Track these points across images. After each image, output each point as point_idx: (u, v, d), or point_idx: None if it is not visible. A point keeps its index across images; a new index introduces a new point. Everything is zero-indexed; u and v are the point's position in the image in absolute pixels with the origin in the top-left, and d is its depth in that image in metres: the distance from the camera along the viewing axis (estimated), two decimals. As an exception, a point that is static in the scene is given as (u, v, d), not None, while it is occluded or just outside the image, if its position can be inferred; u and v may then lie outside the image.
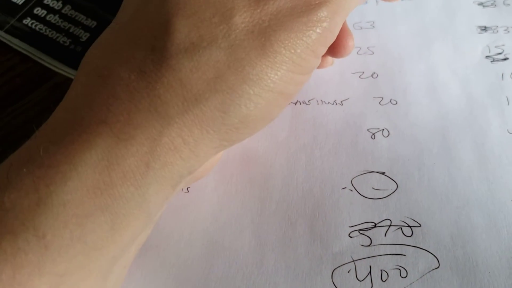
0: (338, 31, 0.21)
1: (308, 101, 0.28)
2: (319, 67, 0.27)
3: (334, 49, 0.26)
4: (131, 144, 0.17)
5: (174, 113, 0.18)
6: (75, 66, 0.30)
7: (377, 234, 0.23)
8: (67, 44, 0.30)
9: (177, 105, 0.18)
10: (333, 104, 0.28)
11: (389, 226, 0.24)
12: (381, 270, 0.22)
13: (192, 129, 0.18)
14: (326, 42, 0.21)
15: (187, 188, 0.25)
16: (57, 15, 0.31)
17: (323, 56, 0.27)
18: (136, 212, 0.18)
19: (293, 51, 0.19)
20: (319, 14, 0.19)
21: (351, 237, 0.23)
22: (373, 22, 0.31)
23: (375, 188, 0.25)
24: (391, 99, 0.28)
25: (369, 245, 0.23)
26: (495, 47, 0.29)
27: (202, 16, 0.18)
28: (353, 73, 0.29)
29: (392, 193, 0.24)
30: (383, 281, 0.22)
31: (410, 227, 0.23)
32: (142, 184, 0.17)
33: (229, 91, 0.18)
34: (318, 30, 0.19)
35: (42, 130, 0.18)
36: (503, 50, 0.29)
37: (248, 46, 0.18)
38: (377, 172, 0.25)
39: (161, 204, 0.19)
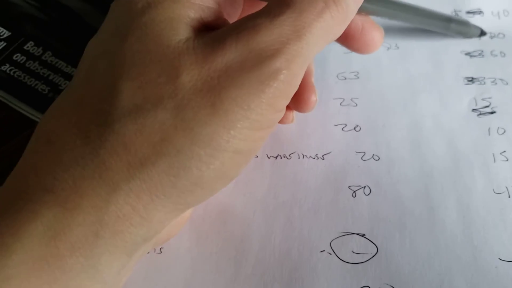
0: (299, 82, 0.20)
1: (289, 155, 0.27)
2: (281, 122, 0.27)
3: (295, 104, 0.25)
4: (77, 214, 0.17)
5: (119, 179, 0.17)
6: (52, 115, 0.29)
7: (356, 302, 0.22)
8: (46, 92, 0.30)
9: (122, 171, 0.17)
10: (314, 158, 0.27)
11: (368, 293, 0.23)
12: None
13: (140, 195, 0.17)
14: (286, 95, 0.19)
15: (160, 249, 0.24)
16: (36, 62, 0.31)
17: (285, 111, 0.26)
18: (88, 284, 0.17)
19: (246, 107, 0.18)
20: (273, 66, 0.18)
21: (328, 305, 0.22)
22: (358, 72, 0.30)
23: (354, 251, 0.24)
24: (373, 154, 0.27)
25: (346, 315, 0.22)
26: (482, 99, 0.29)
27: (148, 77, 0.18)
28: (335, 125, 0.28)
29: (372, 257, 0.23)
30: None
31: (390, 295, 0.22)
32: (92, 254, 0.17)
33: (177, 154, 0.17)
34: (273, 84, 0.18)
35: None
36: (490, 103, 0.29)
37: (197, 105, 0.17)
38: (357, 234, 0.24)
39: (117, 273, 0.18)
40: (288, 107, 0.26)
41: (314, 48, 0.19)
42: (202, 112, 0.17)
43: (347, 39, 0.24)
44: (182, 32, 0.18)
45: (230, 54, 0.18)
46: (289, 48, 0.18)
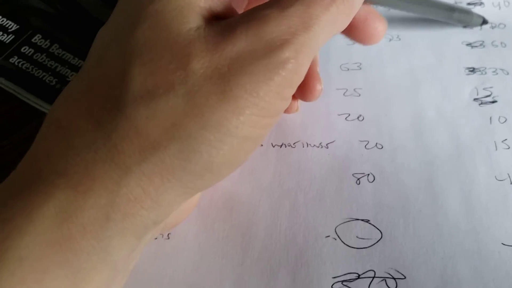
0: (305, 72, 0.20)
1: (294, 144, 0.28)
2: (285, 112, 0.27)
3: (301, 93, 0.26)
4: (89, 196, 0.17)
5: (131, 162, 0.17)
6: (60, 106, 0.29)
7: (361, 286, 0.23)
8: (53, 83, 0.30)
9: (134, 154, 0.17)
10: (318, 147, 0.28)
11: (373, 277, 0.23)
12: (364, 326, 0.22)
13: (151, 178, 0.18)
14: (293, 84, 0.20)
15: (168, 235, 0.25)
16: (44, 54, 0.31)
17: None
18: (99, 266, 0.17)
19: (255, 94, 0.18)
20: (281, 56, 0.18)
21: (333, 289, 0.23)
22: (360, 63, 0.31)
23: (359, 237, 0.24)
24: (377, 143, 0.27)
25: (351, 298, 0.22)
26: (484, 89, 0.29)
27: (159, 63, 0.18)
28: (339, 115, 0.29)
29: (376, 242, 0.24)
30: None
31: (394, 279, 0.23)
32: (103, 236, 0.17)
33: (188, 138, 0.18)
34: (282, 73, 0.18)
35: (5, 182, 0.18)
36: (491, 93, 0.29)
37: (207, 91, 0.18)
38: (361, 220, 0.25)
39: (127, 256, 0.18)
40: (294, 96, 0.26)
41: (320, 40, 0.20)
42: (213, 98, 0.18)
43: (350, 30, 0.25)
44: (192, 21, 0.19)
45: (240, 43, 0.18)
46: (297, 39, 0.19)
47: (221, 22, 0.19)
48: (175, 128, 0.18)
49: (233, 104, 0.18)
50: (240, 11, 0.22)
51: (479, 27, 0.32)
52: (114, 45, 0.19)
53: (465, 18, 0.31)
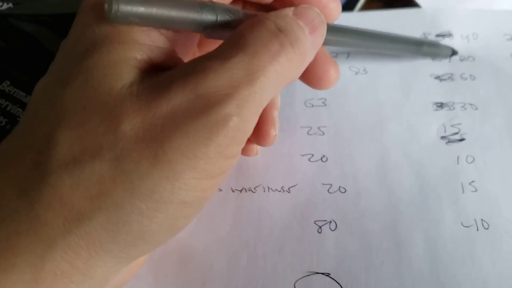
0: (252, 127, 0.19)
1: (254, 188, 0.27)
2: (244, 154, 0.26)
3: (254, 138, 0.25)
4: (12, 272, 0.16)
5: (55, 235, 0.16)
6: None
7: None
8: (3, 123, 0.29)
9: (58, 226, 0.16)
10: (280, 191, 0.26)
11: (333, 337, 0.22)
12: None
13: (77, 251, 0.16)
14: (237, 141, 0.18)
15: (118, 293, 0.23)
16: (-7, 92, 0.30)
17: (247, 144, 0.26)
18: None
19: (192, 156, 0.17)
20: (221, 113, 0.17)
21: None
22: (325, 99, 0.30)
23: (319, 292, 0.23)
24: (340, 186, 0.26)
25: None
26: (451, 126, 0.28)
27: (88, 126, 0.17)
28: (302, 155, 0.28)
29: (337, 299, 0.23)
30: None
31: (355, 338, 0.22)
32: None
33: (116, 208, 0.16)
34: (222, 131, 0.17)
35: None
36: (459, 130, 0.28)
37: (137, 156, 0.16)
38: (321, 273, 0.24)
39: None
40: (249, 141, 0.25)
41: (269, 92, 0.18)
42: (143, 163, 0.16)
43: None
44: (126, 76, 0.17)
45: (176, 100, 0.17)
46: (241, 93, 0.17)
47: (158, 76, 0.18)
48: (101, 198, 0.16)
49: (167, 169, 0.17)
50: (186, 58, 0.21)
51: (448, 59, 0.31)
52: (44, 105, 0.18)
53: (435, 51, 0.30)
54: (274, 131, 0.24)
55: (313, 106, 0.30)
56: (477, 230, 0.24)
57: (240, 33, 0.18)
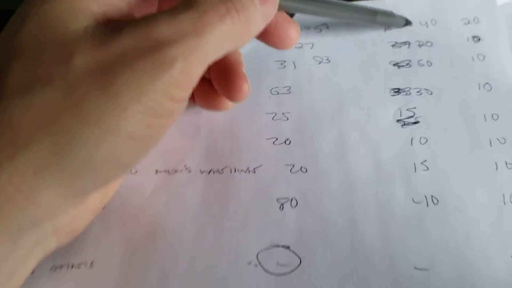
0: (198, 75, 0.20)
1: (222, 170, 0.28)
2: (216, 108, 0.29)
3: (228, 93, 0.26)
4: None
5: (2, 158, 0.17)
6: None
7: (279, 312, 0.24)
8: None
9: (5, 150, 0.17)
10: (246, 172, 0.28)
11: (290, 303, 0.24)
12: None
13: (25, 175, 0.17)
14: (182, 85, 0.19)
15: (91, 263, 0.25)
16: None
17: (222, 98, 0.28)
18: None
19: (138, 90, 0.18)
20: (168, 54, 0.18)
21: (251, 317, 0.24)
22: (290, 87, 0.31)
23: (279, 263, 0.25)
24: (301, 166, 0.28)
25: (268, 326, 0.23)
26: (407, 110, 0.30)
27: (41, 58, 0.18)
28: (267, 139, 0.29)
29: (295, 269, 0.25)
30: None
31: (310, 304, 0.24)
32: None
33: (64, 133, 0.17)
34: (167, 70, 0.18)
35: None
36: (414, 113, 0.30)
37: (87, 87, 0.18)
38: (282, 246, 0.25)
39: (2, 261, 0.18)
40: (223, 96, 0.27)
41: (214, 49, 0.20)
42: (92, 93, 0.18)
43: (262, 34, 0.24)
44: (81, 22, 0.19)
45: (127, 41, 0.18)
46: (187, 42, 0.19)
47: (112, 24, 0.19)
48: (50, 122, 0.17)
49: (114, 100, 0.18)
50: None
51: (403, 28, 0.33)
52: (3, 42, 0.19)
53: (388, 20, 0.32)
54: (247, 85, 0.26)
55: (278, 93, 0.31)
56: (427, 206, 0.26)
57: None
